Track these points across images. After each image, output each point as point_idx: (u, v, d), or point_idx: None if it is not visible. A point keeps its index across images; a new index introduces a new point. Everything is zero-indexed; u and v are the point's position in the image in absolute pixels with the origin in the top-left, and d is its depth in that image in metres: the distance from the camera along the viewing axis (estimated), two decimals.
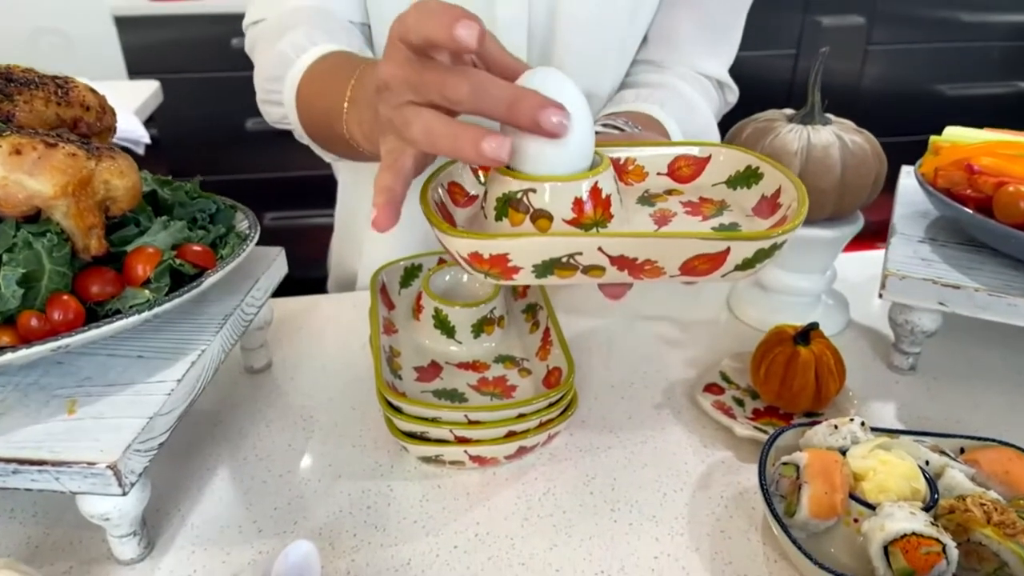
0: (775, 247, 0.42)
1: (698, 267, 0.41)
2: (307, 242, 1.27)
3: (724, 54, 0.80)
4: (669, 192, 0.51)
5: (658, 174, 0.52)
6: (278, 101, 0.69)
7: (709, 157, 0.51)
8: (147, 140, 1.33)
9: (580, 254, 0.40)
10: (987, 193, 0.61)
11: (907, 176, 0.79)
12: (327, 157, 0.72)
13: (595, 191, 0.43)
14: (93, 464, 0.43)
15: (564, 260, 0.41)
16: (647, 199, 0.50)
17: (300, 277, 0.82)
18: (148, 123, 1.49)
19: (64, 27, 2.04)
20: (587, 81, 0.76)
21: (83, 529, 0.51)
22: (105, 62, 2.08)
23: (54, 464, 0.44)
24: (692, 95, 0.76)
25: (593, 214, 0.43)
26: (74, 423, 0.46)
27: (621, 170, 0.52)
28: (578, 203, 0.42)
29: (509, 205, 0.43)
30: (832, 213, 0.68)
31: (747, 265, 0.42)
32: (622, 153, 0.52)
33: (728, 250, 0.40)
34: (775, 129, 0.68)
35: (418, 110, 0.40)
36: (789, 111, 0.71)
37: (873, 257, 0.86)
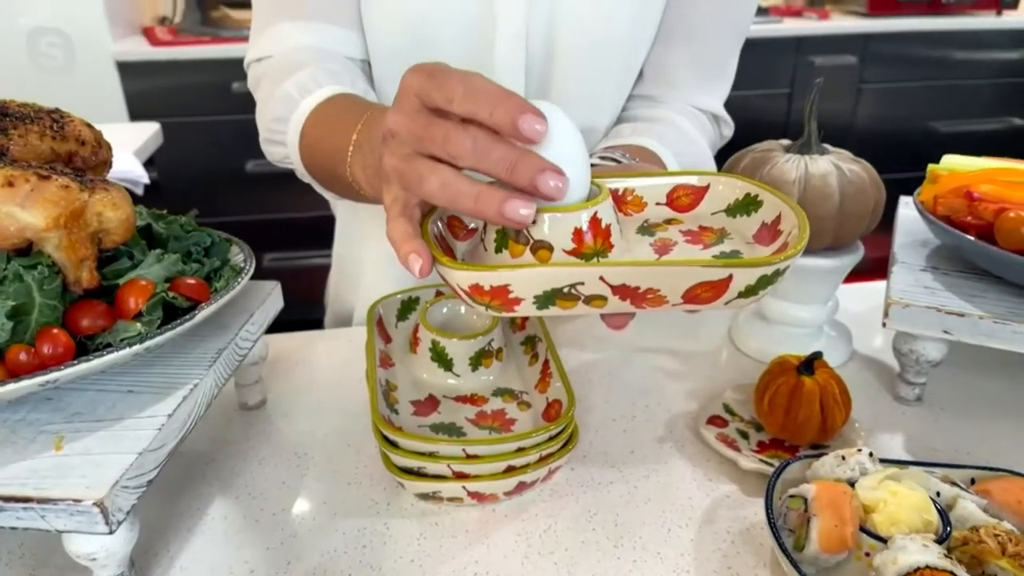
0: (777, 273, 0.41)
1: (701, 295, 0.41)
2: (306, 283, 1.27)
3: (719, 89, 0.80)
4: (669, 221, 0.51)
5: (657, 204, 0.51)
6: (281, 142, 0.69)
7: (708, 186, 0.51)
8: (146, 180, 1.34)
9: (582, 284, 0.40)
10: (988, 220, 0.61)
11: (905, 206, 0.79)
12: (327, 195, 0.72)
13: (595, 221, 0.43)
14: (79, 501, 0.42)
15: (566, 290, 0.40)
16: (647, 229, 0.50)
17: (299, 318, 0.81)
18: (149, 166, 1.50)
19: (68, 71, 2.06)
20: (584, 115, 0.76)
21: (70, 571, 0.50)
22: (107, 106, 2.10)
23: (39, 501, 0.42)
24: (689, 129, 0.77)
25: (593, 244, 0.43)
26: (61, 459, 0.45)
27: (620, 200, 0.52)
28: (578, 233, 0.42)
29: (509, 237, 0.43)
30: (832, 242, 0.67)
31: (750, 292, 0.41)
32: (620, 184, 0.52)
33: (731, 277, 0.40)
34: (772, 159, 0.68)
35: (433, 165, 0.40)
36: (786, 141, 0.71)
37: (874, 288, 0.85)
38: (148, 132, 1.56)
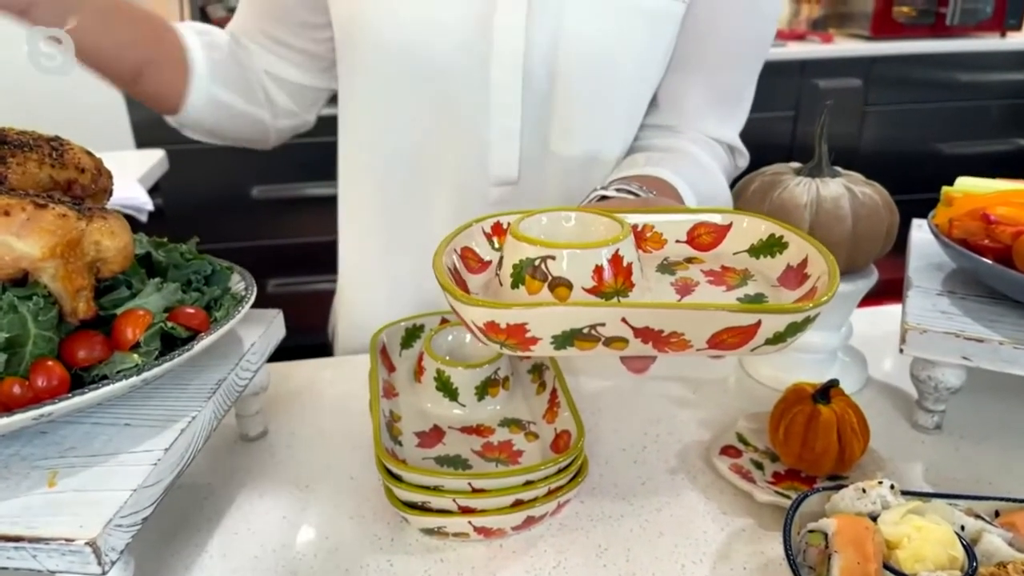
0: (808, 320, 0.39)
1: (727, 340, 0.39)
2: (311, 308, 1.26)
3: (735, 119, 0.79)
4: (689, 260, 0.49)
5: (677, 241, 0.50)
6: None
7: (731, 224, 0.49)
8: (150, 207, 1.33)
9: (603, 325, 0.38)
10: (1005, 243, 0.59)
11: (918, 229, 0.78)
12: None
13: (616, 259, 0.42)
14: (71, 541, 0.40)
15: (585, 331, 0.39)
16: (667, 267, 0.49)
17: (305, 344, 0.80)
18: (154, 193, 1.49)
19: (75, 100, 2.07)
20: (590, 144, 0.75)
21: None
22: (114, 134, 2.11)
23: (31, 540, 0.41)
24: (705, 159, 0.75)
25: (614, 282, 0.42)
26: (54, 496, 0.43)
27: (639, 237, 0.50)
28: (598, 271, 0.41)
29: (526, 272, 0.42)
30: (845, 267, 0.66)
31: (778, 339, 0.39)
32: (639, 219, 0.50)
33: (759, 323, 0.38)
34: (783, 183, 0.67)
35: None
36: (796, 164, 0.70)
37: (888, 312, 0.84)
38: (153, 159, 1.56)
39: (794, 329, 0.39)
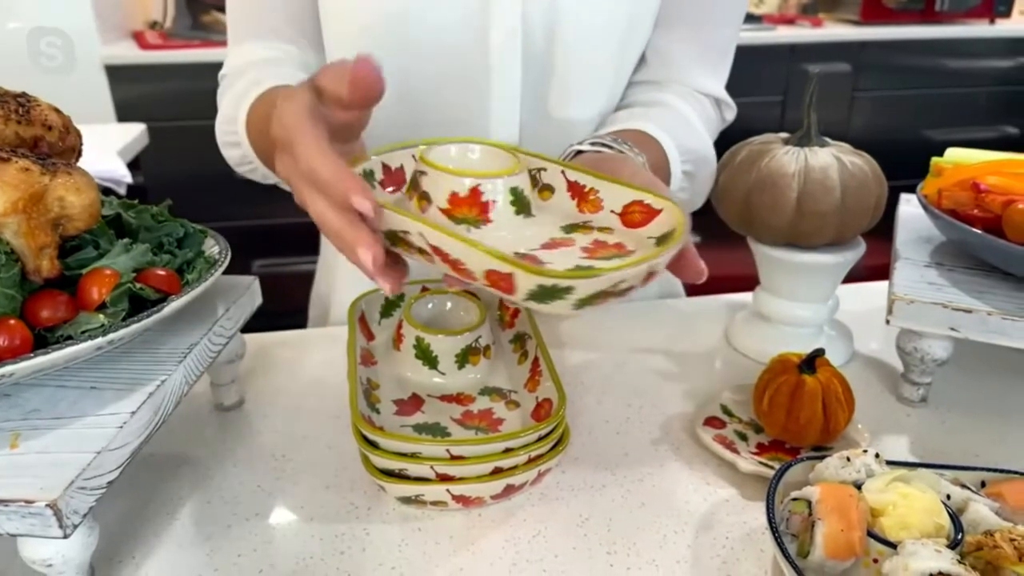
0: (560, 290, 0.39)
1: (499, 283, 0.41)
2: (294, 290, 1.24)
3: (720, 71, 0.78)
4: (604, 230, 0.48)
5: (611, 212, 0.49)
6: (235, 142, 0.71)
7: (661, 210, 0.48)
8: (129, 180, 1.31)
9: (407, 233, 0.43)
10: (995, 212, 0.58)
11: (906, 204, 0.77)
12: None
13: (474, 192, 0.46)
14: (31, 503, 0.39)
15: (400, 235, 0.43)
16: (576, 227, 0.49)
17: (287, 325, 0.78)
18: (135, 170, 1.47)
19: (55, 76, 2.04)
20: (585, 104, 0.73)
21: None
22: (96, 110, 2.07)
23: None
24: (689, 114, 0.74)
25: (469, 212, 0.46)
26: (15, 458, 0.42)
27: (582, 196, 0.50)
28: (454, 197, 0.46)
29: (412, 182, 0.48)
30: (833, 238, 0.65)
31: (541, 298, 0.40)
32: (587, 181, 0.50)
33: (511, 275, 0.39)
34: (771, 151, 0.65)
35: (312, 196, 0.43)
36: (784, 134, 0.69)
37: (875, 288, 0.83)
38: (133, 133, 1.53)
39: (548, 294, 0.39)
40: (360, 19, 0.70)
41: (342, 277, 0.85)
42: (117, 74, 2.08)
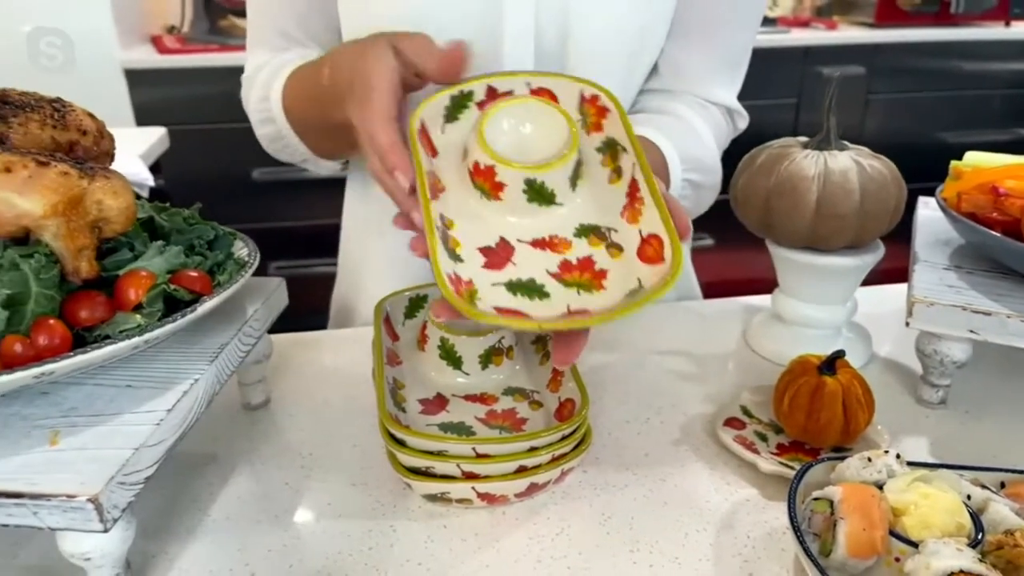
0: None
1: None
2: (312, 292, 1.25)
3: (733, 81, 0.79)
4: (613, 248, 0.50)
5: (639, 231, 0.49)
6: (270, 119, 0.74)
7: (665, 262, 0.45)
8: (151, 183, 1.33)
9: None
10: (1014, 216, 0.59)
11: (925, 207, 0.77)
12: (323, 167, 0.79)
13: (490, 170, 0.49)
14: (73, 497, 0.40)
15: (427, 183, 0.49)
16: (592, 231, 0.51)
17: (306, 327, 0.79)
18: (156, 173, 1.48)
19: (75, 80, 2.06)
20: None
21: (64, 572, 0.48)
22: (115, 114, 2.10)
23: (32, 497, 0.40)
24: (696, 122, 0.75)
25: (483, 184, 0.50)
26: (55, 454, 0.43)
27: (632, 202, 0.50)
28: (476, 166, 0.50)
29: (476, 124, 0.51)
30: (852, 241, 0.65)
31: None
32: (645, 192, 0.49)
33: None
34: (790, 155, 0.66)
35: (369, 154, 0.52)
36: (803, 138, 0.69)
37: (894, 291, 0.83)
38: (154, 136, 1.55)
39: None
40: (374, 21, 0.71)
41: (366, 279, 0.86)
42: (136, 78, 2.10)
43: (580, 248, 0.50)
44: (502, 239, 0.50)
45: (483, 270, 0.48)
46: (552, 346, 0.48)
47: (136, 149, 1.43)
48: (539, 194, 0.50)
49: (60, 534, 0.43)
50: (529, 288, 0.48)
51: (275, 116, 0.73)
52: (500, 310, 0.45)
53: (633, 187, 0.50)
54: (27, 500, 0.40)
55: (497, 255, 0.49)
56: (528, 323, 0.45)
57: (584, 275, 0.49)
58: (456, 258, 0.48)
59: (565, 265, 0.49)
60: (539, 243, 0.50)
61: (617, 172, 0.52)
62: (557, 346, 0.46)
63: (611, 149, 0.53)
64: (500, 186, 0.49)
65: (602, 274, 0.48)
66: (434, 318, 0.59)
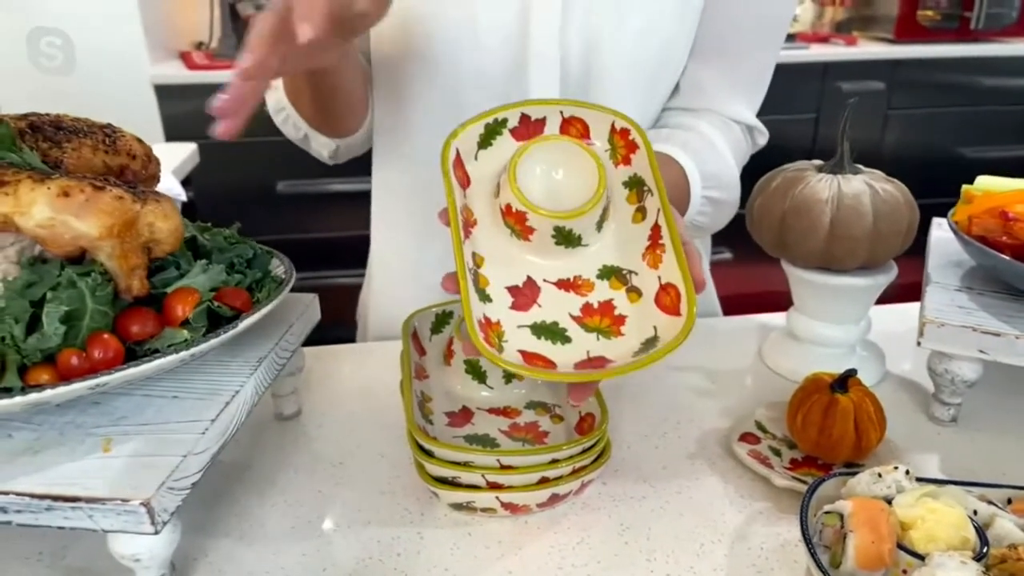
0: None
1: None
2: (337, 303, 1.28)
3: (754, 99, 0.80)
4: (633, 292, 0.52)
5: (658, 278, 0.51)
6: (274, 85, 0.80)
7: (680, 316, 0.49)
8: (184, 198, 1.37)
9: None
10: (1023, 240, 0.60)
11: (938, 228, 0.79)
12: (320, 145, 0.83)
13: (521, 215, 0.51)
14: (127, 501, 0.43)
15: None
16: (614, 274, 0.53)
17: (331, 338, 0.82)
18: (186, 186, 1.53)
19: (104, 96, 2.12)
20: None
21: (109, 573, 0.51)
22: (145, 128, 2.14)
23: (87, 501, 0.43)
24: (716, 139, 0.77)
25: (514, 224, 0.53)
26: (109, 461, 0.46)
27: (653, 246, 0.52)
28: (508, 207, 0.52)
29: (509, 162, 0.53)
30: (865, 262, 0.67)
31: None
32: (666, 238, 0.51)
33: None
34: (804, 179, 0.68)
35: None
36: (818, 162, 0.72)
37: (907, 310, 0.85)
38: (186, 152, 1.60)
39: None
40: (415, 42, 0.74)
41: (390, 294, 0.89)
42: (165, 93, 2.16)
43: (602, 290, 0.53)
44: (529, 278, 0.52)
45: (510, 311, 0.51)
46: (568, 386, 0.51)
47: (169, 164, 1.47)
48: (567, 238, 0.52)
49: (112, 536, 0.46)
50: (552, 332, 0.51)
51: (277, 84, 0.79)
52: (524, 354, 0.49)
53: (655, 231, 0.52)
54: (83, 504, 0.43)
55: (524, 295, 0.52)
56: (550, 375, 0.49)
57: (604, 320, 0.52)
58: (485, 297, 0.51)
59: (587, 309, 0.52)
60: (563, 284, 0.53)
61: (641, 212, 0.54)
62: (573, 387, 0.51)
63: (637, 187, 0.55)
64: (530, 230, 0.52)
65: (621, 320, 0.52)
66: (464, 354, 0.63)
